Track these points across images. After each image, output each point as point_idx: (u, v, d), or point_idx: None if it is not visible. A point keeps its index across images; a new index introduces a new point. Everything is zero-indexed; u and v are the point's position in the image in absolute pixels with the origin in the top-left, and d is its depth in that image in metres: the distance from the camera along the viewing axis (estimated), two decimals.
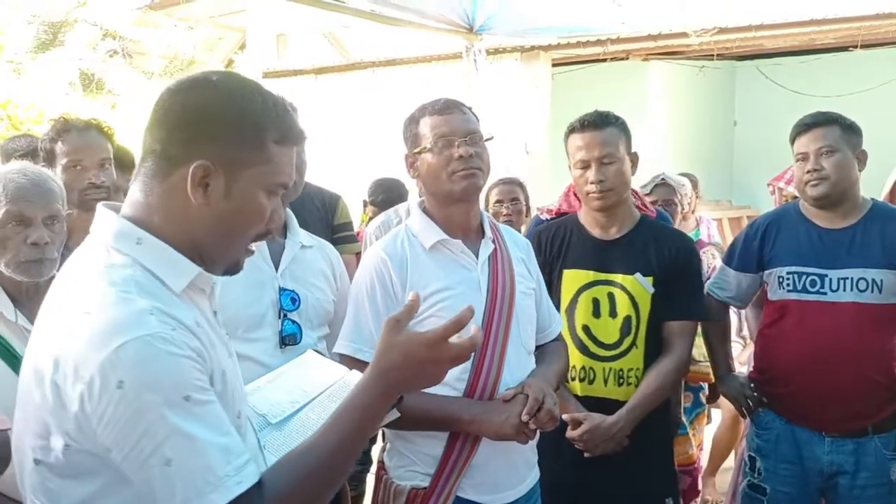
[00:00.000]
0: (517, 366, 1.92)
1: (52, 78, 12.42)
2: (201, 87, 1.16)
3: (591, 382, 2.30)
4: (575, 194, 2.89)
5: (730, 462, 3.96)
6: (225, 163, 1.14)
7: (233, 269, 1.25)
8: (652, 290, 2.28)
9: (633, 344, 2.28)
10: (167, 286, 1.12)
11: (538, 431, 1.87)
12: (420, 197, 2.76)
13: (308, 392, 1.42)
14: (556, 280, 2.35)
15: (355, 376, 1.43)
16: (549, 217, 2.90)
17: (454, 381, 1.85)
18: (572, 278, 2.34)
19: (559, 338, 2.15)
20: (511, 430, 1.79)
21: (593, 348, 2.30)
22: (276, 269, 1.96)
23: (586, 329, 2.31)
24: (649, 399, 2.23)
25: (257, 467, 1.08)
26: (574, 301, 2.33)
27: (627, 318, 2.28)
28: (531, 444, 1.90)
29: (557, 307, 2.31)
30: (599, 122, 2.29)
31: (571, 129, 2.34)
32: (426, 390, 1.79)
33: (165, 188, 1.15)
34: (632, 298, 2.28)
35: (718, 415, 4.13)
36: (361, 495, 3.42)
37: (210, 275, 1.20)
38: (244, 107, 1.16)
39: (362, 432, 1.17)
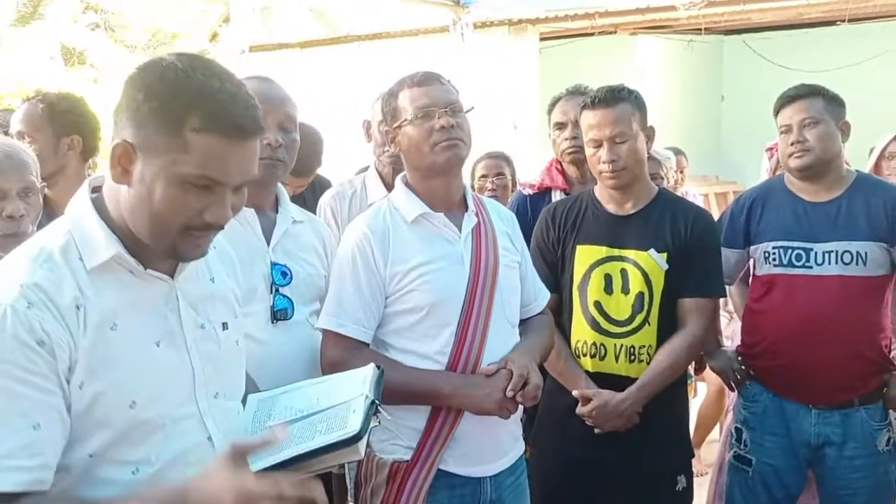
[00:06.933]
0: (500, 339, 1.92)
1: (32, 51, 12.20)
2: (147, 70, 1.16)
3: (602, 359, 2.26)
4: (557, 168, 2.89)
5: (715, 434, 4.02)
6: (143, 145, 1.14)
7: (173, 255, 1.22)
8: (666, 266, 2.24)
9: (646, 321, 2.25)
10: (83, 262, 1.16)
11: (521, 407, 1.88)
12: (378, 167, 2.76)
13: (318, 404, 1.37)
14: (569, 255, 2.32)
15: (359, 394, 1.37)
16: (531, 192, 2.88)
17: (436, 354, 1.86)
18: (585, 254, 2.30)
19: (544, 312, 2.13)
20: (493, 406, 1.80)
21: (605, 324, 2.27)
22: (268, 243, 1.96)
23: (598, 305, 2.28)
24: (661, 376, 2.21)
25: (32, 479, 1.04)
26: (586, 277, 2.29)
27: (640, 295, 2.24)
28: (515, 416, 1.90)
29: (570, 283, 2.30)
30: (611, 99, 2.22)
31: (583, 106, 2.28)
32: (408, 363, 1.84)
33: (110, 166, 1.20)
34: (645, 275, 2.24)
35: (704, 388, 4.17)
36: None
37: (132, 259, 1.19)
38: (174, 91, 1.13)
39: None
